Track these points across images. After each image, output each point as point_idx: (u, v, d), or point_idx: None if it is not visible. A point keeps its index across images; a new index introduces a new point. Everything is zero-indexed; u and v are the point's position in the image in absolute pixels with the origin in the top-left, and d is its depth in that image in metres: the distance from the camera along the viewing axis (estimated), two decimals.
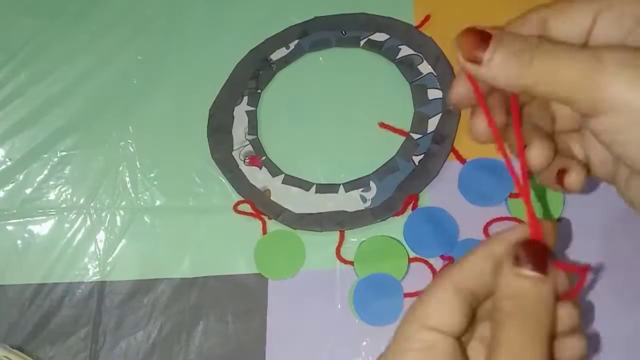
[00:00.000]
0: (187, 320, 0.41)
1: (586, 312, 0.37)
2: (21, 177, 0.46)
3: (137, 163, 0.45)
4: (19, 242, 0.44)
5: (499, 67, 0.23)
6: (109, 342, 0.41)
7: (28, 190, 0.45)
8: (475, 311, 0.25)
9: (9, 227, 0.44)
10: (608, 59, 0.22)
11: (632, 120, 0.22)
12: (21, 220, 0.44)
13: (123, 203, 0.44)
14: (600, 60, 0.22)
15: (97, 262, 0.43)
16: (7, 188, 0.45)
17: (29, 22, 0.49)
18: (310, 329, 0.40)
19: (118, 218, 0.44)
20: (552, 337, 0.23)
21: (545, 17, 0.25)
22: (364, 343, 0.40)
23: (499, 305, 0.23)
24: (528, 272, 0.22)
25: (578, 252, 0.39)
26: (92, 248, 0.43)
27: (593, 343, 0.37)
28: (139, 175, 0.45)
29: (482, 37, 0.24)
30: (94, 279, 0.43)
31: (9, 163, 0.46)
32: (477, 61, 0.24)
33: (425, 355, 0.24)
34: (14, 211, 0.45)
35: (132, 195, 0.44)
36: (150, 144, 0.46)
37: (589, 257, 0.38)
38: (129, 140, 0.46)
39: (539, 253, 0.23)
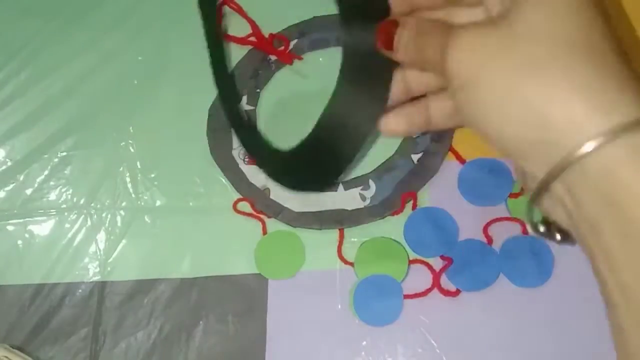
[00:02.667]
0: (187, 320, 0.41)
1: None
2: (22, 177, 0.46)
3: (138, 163, 0.45)
4: (19, 242, 0.44)
5: (401, 55, 0.29)
6: (109, 342, 0.41)
7: (28, 191, 0.45)
8: None
9: (10, 228, 0.44)
10: (455, 35, 0.26)
11: (481, 91, 0.25)
12: (21, 220, 0.44)
13: (123, 203, 0.44)
14: (450, 39, 0.26)
15: (97, 262, 0.43)
16: (7, 188, 0.45)
17: (29, 22, 0.49)
18: (310, 329, 0.40)
19: (118, 218, 0.44)
20: None
21: None
22: (364, 343, 0.40)
23: None
24: None
25: None
26: (92, 248, 0.44)
27: None
28: (139, 175, 0.45)
29: (392, 25, 0.29)
30: (94, 279, 0.43)
31: (9, 163, 0.46)
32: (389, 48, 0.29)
33: None
34: (15, 211, 0.45)
35: (133, 195, 0.44)
36: (151, 144, 0.46)
37: None
38: (130, 141, 0.46)
39: None
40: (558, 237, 0.27)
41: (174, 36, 0.48)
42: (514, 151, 0.25)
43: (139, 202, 0.44)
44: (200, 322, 0.41)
